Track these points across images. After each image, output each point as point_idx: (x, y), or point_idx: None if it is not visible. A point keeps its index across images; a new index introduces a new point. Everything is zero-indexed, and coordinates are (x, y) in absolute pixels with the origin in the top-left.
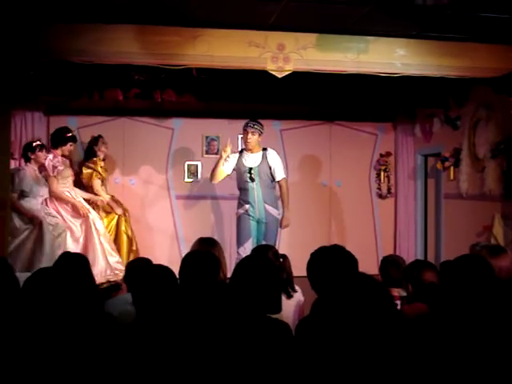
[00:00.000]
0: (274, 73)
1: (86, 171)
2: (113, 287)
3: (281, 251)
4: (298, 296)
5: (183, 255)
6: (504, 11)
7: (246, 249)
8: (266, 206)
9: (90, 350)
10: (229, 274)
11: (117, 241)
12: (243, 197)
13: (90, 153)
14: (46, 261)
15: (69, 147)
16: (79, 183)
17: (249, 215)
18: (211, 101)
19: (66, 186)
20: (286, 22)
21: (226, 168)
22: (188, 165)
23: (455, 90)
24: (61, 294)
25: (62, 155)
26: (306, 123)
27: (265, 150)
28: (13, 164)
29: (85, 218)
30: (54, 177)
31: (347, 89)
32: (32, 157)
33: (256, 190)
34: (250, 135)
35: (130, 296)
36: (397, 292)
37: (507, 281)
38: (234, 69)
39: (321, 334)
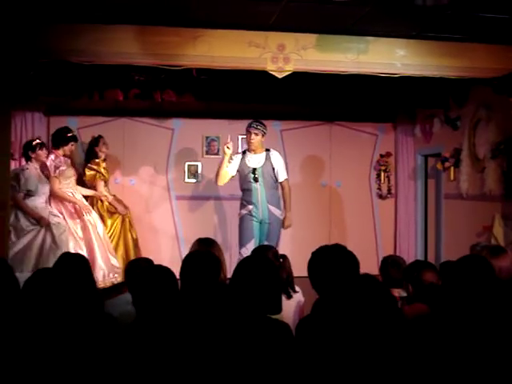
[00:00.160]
0: (274, 73)
1: (89, 173)
2: (114, 288)
3: (280, 251)
4: (299, 296)
5: (183, 256)
6: (504, 11)
7: (248, 250)
8: (270, 206)
9: (90, 350)
10: (230, 275)
11: (123, 240)
12: (246, 197)
13: (90, 153)
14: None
15: (70, 147)
16: (82, 184)
17: (252, 216)
18: (211, 101)
19: (69, 186)
20: (286, 22)
21: (230, 169)
22: (188, 165)
23: (455, 90)
24: (61, 295)
25: (64, 155)
26: (306, 123)
27: (268, 150)
28: (13, 164)
29: (86, 218)
30: (56, 177)
31: (347, 89)
32: (33, 156)
33: (260, 190)
34: (253, 136)
35: (130, 296)
36: (397, 292)
37: (507, 281)
38: (234, 69)
39: (321, 334)
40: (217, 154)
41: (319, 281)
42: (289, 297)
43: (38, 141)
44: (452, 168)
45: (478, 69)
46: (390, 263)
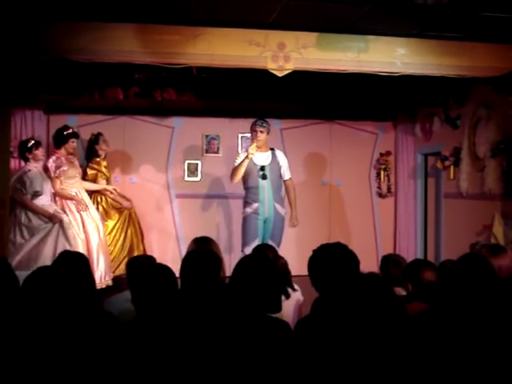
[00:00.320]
0: (274, 72)
1: (90, 172)
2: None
3: (280, 250)
4: (298, 295)
5: (183, 254)
6: (504, 10)
7: (252, 249)
8: (276, 204)
9: (90, 348)
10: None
11: (130, 234)
12: (252, 195)
13: (91, 152)
14: None
15: (71, 144)
16: None
17: (257, 214)
18: (211, 99)
19: (73, 186)
20: (286, 20)
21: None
22: (188, 163)
23: (455, 89)
24: (60, 293)
25: (68, 153)
26: (306, 122)
27: (272, 149)
28: (12, 163)
29: (88, 218)
30: (57, 177)
31: (347, 88)
32: (30, 156)
33: (267, 188)
34: (259, 133)
35: (129, 294)
36: (396, 291)
37: (507, 280)
38: (235, 67)
39: (321, 333)
40: (217, 152)
41: (319, 279)
42: (287, 297)
43: (32, 141)
44: (452, 167)
45: (478, 68)
46: (392, 262)
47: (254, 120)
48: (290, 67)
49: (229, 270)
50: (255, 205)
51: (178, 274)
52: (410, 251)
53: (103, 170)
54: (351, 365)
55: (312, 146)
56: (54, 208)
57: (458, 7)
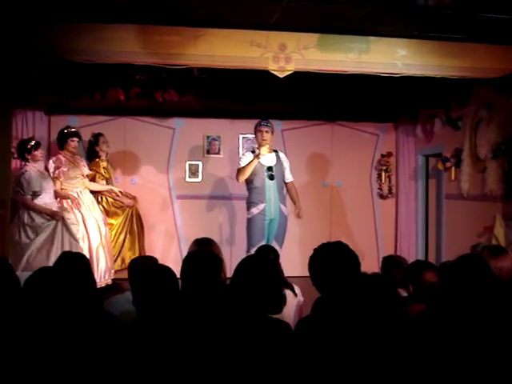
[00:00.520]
0: (275, 73)
1: (88, 173)
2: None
3: (282, 251)
4: (298, 296)
5: (184, 255)
6: (505, 12)
7: None
8: (280, 204)
9: (91, 349)
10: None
11: (131, 233)
12: (257, 196)
13: (92, 153)
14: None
15: (71, 143)
16: None
17: (263, 215)
18: (212, 101)
19: (75, 187)
20: (287, 22)
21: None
22: (189, 164)
23: (456, 90)
24: (61, 294)
25: (71, 154)
26: (308, 123)
27: (275, 151)
28: (14, 163)
29: (89, 218)
30: (56, 178)
31: (348, 89)
32: (29, 157)
33: (273, 188)
34: (265, 133)
35: (131, 295)
36: (398, 292)
37: (508, 281)
38: (236, 69)
39: (322, 333)
40: (218, 153)
41: (320, 278)
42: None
43: (32, 143)
44: (453, 168)
45: (479, 69)
46: (393, 263)
47: (257, 121)
48: (291, 68)
49: (230, 271)
50: (262, 205)
51: (178, 275)
52: (411, 252)
53: (101, 171)
54: (352, 365)
55: (313, 148)
56: (56, 206)
57: (458, 8)
